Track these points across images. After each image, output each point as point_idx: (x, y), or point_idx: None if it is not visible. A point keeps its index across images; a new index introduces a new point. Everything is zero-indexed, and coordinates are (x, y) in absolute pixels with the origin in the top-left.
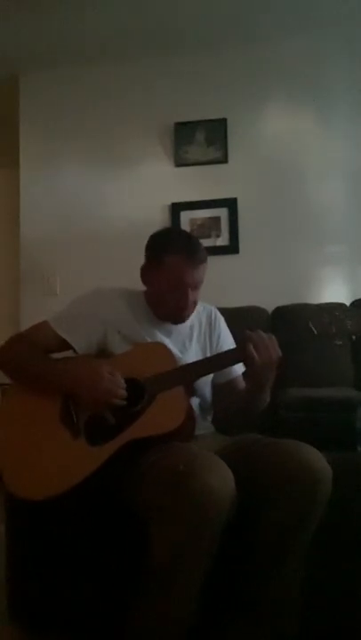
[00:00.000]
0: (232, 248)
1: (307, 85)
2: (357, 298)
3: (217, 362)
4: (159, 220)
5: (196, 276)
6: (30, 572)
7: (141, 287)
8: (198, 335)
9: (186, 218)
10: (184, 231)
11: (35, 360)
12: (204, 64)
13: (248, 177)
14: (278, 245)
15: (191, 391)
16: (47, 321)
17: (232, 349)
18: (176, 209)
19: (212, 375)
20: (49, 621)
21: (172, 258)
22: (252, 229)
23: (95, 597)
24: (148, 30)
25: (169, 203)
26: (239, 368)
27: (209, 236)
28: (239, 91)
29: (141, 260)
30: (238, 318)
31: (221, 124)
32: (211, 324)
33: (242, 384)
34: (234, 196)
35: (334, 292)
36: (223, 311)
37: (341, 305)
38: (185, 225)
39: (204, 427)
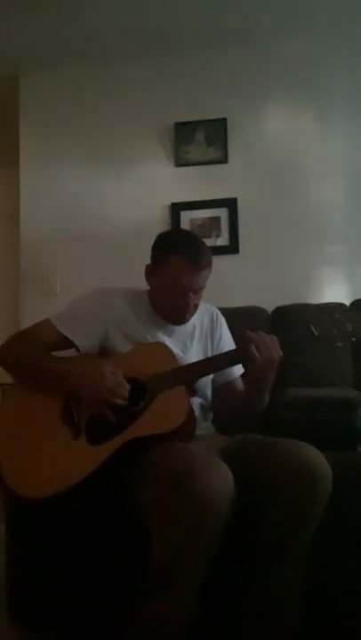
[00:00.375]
0: (232, 248)
1: (307, 85)
2: (357, 298)
3: (218, 362)
4: (159, 220)
5: (197, 281)
6: (30, 572)
7: (144, 286)
8: (200, 335)
9: (186, 218)
10: (192, 234)
11: (36, 358)
12: (204, 64)
13: (248, 177)
14: (278, 245)
15: (192, 391)
16: (49, 319)
17: (233, 350)
18: (176, 209)
19: (212, 375)
20: (49, 621)
21: (176, 260)
22: (252, 229)
23: (95, 597)
24: (148, 30)
25: (169, 203)
26: (238, 370)
27: (209, 236)
28: (239, 91)
29: (142, 259)
30: (238, 318)
31: (221, 123)
32: (212, 325)
33: (240, 385)
34: (234, 196)
35: (334, 292)
36: (223, 311)
37: (342, 305)
38: (185, 225)
39: (205, 427)
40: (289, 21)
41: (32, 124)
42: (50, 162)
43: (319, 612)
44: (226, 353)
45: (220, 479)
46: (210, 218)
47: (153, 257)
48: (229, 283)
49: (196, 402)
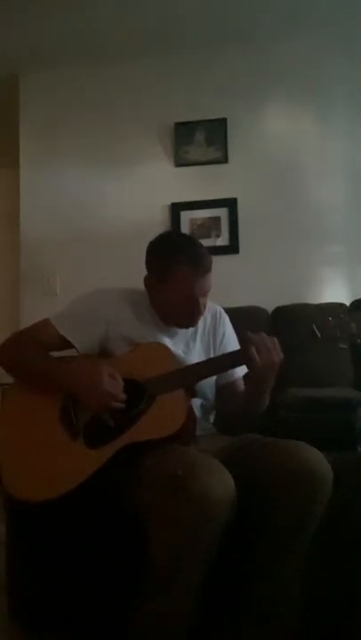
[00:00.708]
0: (232, 248)
1: (307, 85)
2: (357, 298)
3: (218, 364)
4: (159, 220)
5: (205, 285)
6: (30, 572)
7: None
8: (202, 334)
9: (186, 218)
10: (185, 236)
11: (35, 358)
12: (204, 64)
13: (248, 177)
14: (278, 245)
15: (192, 392)
16: (49, 319)
17: (234, 351)
18: (176, 209)
19: (214, 377)
20: (49, 621)
21: (180, 271)
22: (252, 229)
23: (95, 597)
24: (148, 30)
25: (169, 203)
26: (241, 370)
27: (209, 236)
28: (239, 91)
29: (142, 259)
30: (238, 318)
31: (221, 123)
32: (215, 323)
33: (242, 386)
34: (234, 196)
35: (334, 292)
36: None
37: (342, 305)
38: (185, 225)
39: (205, 427)
40: (289, 21)
41: (32, 124)
42: (50, 162)
43: (319, 612)
44: (227, 354)
45: (220, 482)
46: (210, 218)
47: (152, 269)
48: (229, 283)
49: (196, 402)
